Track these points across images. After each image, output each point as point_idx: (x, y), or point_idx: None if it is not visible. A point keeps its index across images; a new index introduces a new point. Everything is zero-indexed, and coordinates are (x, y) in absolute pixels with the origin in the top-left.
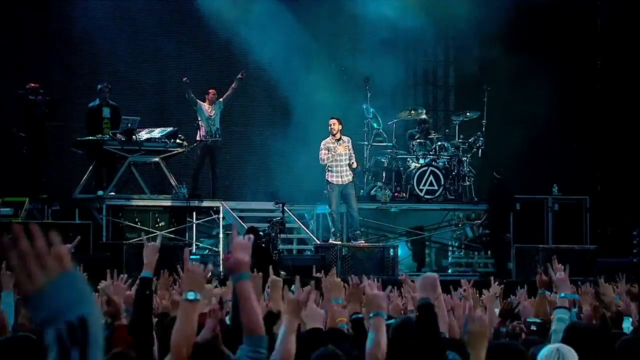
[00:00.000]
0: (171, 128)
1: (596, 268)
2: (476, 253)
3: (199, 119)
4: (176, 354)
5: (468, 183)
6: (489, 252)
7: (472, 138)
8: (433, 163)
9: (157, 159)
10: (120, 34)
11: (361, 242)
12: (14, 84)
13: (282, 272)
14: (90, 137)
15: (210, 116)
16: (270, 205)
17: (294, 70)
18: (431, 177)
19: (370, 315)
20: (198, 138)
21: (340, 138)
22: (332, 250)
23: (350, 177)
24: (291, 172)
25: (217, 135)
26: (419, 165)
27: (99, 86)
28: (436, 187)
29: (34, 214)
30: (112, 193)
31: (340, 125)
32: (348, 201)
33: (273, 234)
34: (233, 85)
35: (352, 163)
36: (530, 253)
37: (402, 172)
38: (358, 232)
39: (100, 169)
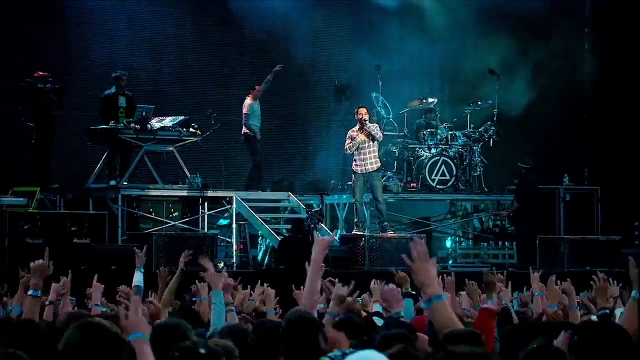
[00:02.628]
0: (182, 117)
1: (621, 259)
2: (485, 244)
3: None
4: None
5: (478, 173)
6: (499, 242)
7: (483, 127)
8: (444, 152)
9: (171, 148)
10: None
11: (389, 233)
12: (21, 73)
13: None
14: (105, 126)
15: (258, 113)
16: (277, 195)
17: (298, 59)
18: (443, 167)
19: None
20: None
21: (363, 126)
22: (359, 240)
23: (375, 166)
24: (291, 162)
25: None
26: (431, 154)
27: (115, 74)
28: (448, 177)
29: (45, 204)
30: (125, 183)
31: (367, 115)
32: (373, 192)
33: (312, 225)
34: (269, 77)
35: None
36: (554, 243)
37: (411, 162)
38: (386, 223)
39: (113, 158)
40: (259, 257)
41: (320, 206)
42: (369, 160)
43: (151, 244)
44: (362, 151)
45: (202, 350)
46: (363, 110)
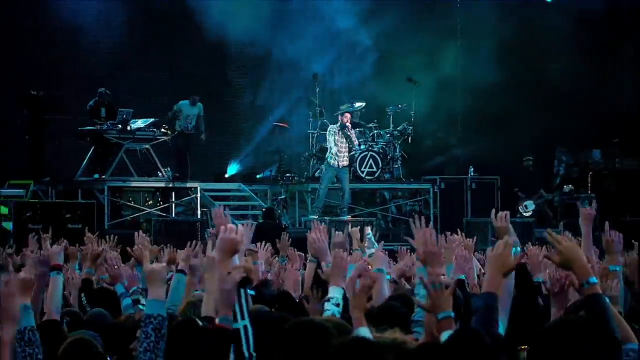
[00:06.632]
0: (152, 119)
1: (534, 238)
2: (403, 226)
3: (181, 113)
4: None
5: (398, 165)
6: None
7: (401, 127)
8: (370, 148)
9: (147, 146)
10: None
11: (348, 217)
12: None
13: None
14: (91, 127)
15: (189, 115)
16: (231, 185)
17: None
18: (371, 161)
19: None
20: (178, 129)
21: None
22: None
23: (346, 163)
24: (230, 153)
25: (192, 130)
26: (360, 150)
27: (100, 91)
28: (375, 169)
29: (38, 194)
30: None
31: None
32: (343, 183)
33: (279, 211)
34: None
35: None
36: (479, 226)
37: None
38: (345, 209)
39: (96, 154)
40: None
41: (285, 195)
42: (343, 157)
43: (149, 229)
44: (340, 148)
45: None
46: (349, 116)
